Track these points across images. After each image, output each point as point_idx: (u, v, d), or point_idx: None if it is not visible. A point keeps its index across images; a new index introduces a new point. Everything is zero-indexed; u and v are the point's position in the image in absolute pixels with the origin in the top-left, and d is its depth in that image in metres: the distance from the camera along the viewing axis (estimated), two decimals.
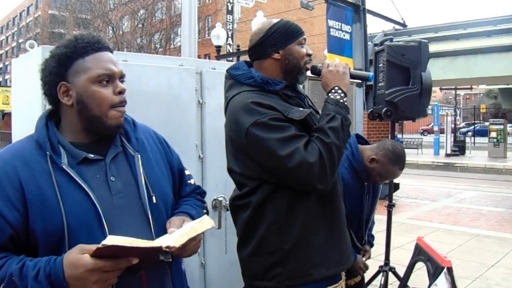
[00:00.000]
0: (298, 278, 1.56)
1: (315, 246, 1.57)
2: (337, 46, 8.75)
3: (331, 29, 8.66)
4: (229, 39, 18.61)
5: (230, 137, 1.62)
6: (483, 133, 23.58)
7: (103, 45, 1.23)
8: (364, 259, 2.42)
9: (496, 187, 11.00)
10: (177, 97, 2.32)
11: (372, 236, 2.60)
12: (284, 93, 1.62)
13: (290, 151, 1.44)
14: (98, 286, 1.02)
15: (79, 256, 1.02)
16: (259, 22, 12.20)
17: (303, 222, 1.56)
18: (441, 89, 33.33)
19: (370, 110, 3.01)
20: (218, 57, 14.23)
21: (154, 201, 1.23)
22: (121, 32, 28.31)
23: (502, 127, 18.46)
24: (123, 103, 1.22)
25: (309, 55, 1.67)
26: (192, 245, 1.19)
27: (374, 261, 2.61)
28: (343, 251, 1.68)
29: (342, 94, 1.61)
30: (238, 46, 15.26)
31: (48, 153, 1.14)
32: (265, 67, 1.65)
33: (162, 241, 1.12)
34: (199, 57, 6.97)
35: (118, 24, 28.66)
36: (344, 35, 8.88)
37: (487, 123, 22.62)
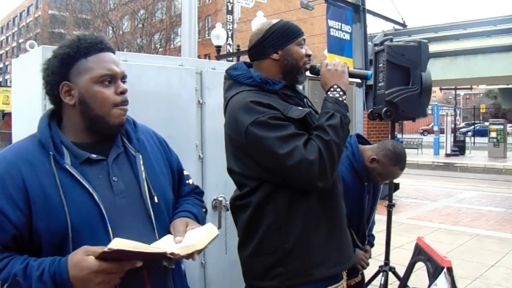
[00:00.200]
0: (299, 278, 1.56)
1: (315, 246, 1.57)
2: (337, 46, 8.76)
3: (331, 29, 8.66)
4: (229, 39, 18.61)
5: (229, 136, 1.62)
6: (483, 133, 23.58)
7: (106, 45, 1.24)
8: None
9: (496, 187, 11.00)
10: (177, 97, 2.32)
11: (373, 236, 2.60)
12: (283, 92, 1.62)
13: (290, 150, 1.45)
14: (102, 286, 1.04)
15: (84, 257, 1.03)
16: (259, 22, 12.20)
17: (303, 221, 1.56)
18: (441, 89, 33.33)
19: (370, 110, 3.01)
20: (218, 57, 14.23)
21: (156, 200, 1.24)
22: (121, 32, 28.32)
23: (502, 127, 18.46)
24: (125, 102, 1.23)
25: (308, 55, 1.67)
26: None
27: (374, 261, 2.61)
28: (344, 251, 1.68)
29: (341, 92, 1.61)
30: (238, 46, 15.26)
31: (51, 153, 1.15)
32: (265, 67, 1.65)
33: (166, 246, 1.13)
34: (199, 57, 6.98)
35: (118, 24, 28.67)
36: (344, 35, 8.88)
37: (487, 123, 22.61)
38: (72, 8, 30.61)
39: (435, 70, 11.77)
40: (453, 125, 20.80)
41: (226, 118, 1.64)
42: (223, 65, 2.55)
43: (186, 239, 1.18)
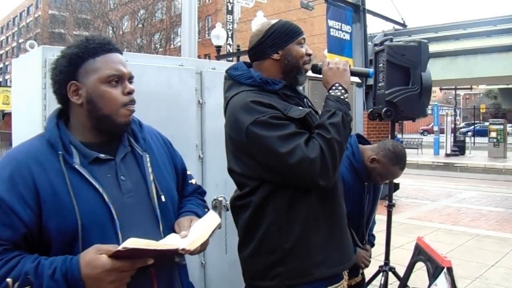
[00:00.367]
0: (299, 278, 1.56)
1: (315, 245, 1.57)
2: (337, 46, 8.76)
3: (331, 29, 8.66)
4: (229, 39, 18.62)
5: (230, 136, 1.62)
6: (483, 133, 23.58)
7: (113, 46, 1.26)
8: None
9: (496, 187, 11.01)
10: (177, 97, 2.32)
11: (373, 236, 2.60)
12: (283, 92, 1.62)
13: (291, 148, 1.45)
14: (113, 286, 1.05)
15: (96, 256, 1.04)
16: (259, 22, 12.20)
17: (303, 221, 1.56)
18: (441, 89, 33.31)
19: (370, 110, 3.01)
20: (218, 57, 14.23)
21: (163, 199, 1.26)
22: (121, 32, 28.30)
23: (502, 127, 18.46)
24: (132, 102, 1.25)
25: (308, 54, 1.67)
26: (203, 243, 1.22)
27: (374, 261, 2.60)
28: (344, 251, 1.68)
29: (343, 91, 1.62)
30: (238, 46, 15.26)
31: (60, 152, 1.16)
32: (265, 67, 1.65)
33: (176, 243, 1.15)
34: (199, 57, 6.98)
35: (118, 24, 28.65)
36: (344, 35, 8.89)
37: (487, 123, 22.61)
38: (72, 8, 30.62)
39: (435, 70, 11.76)
40: (453, 125, 20.81)
41: (226, 118, 1.64)
42: (223, 65, 2.55)
43: (192, 233, 1.20)
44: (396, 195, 8.24)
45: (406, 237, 5.54)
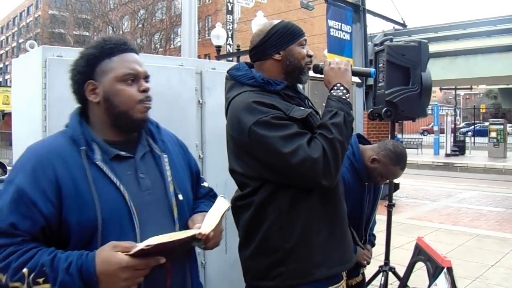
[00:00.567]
0: (300, 278, 1.56)
1: (316, 245, 1.57)
2: (337, 46, 8.76)
3: (331, 29, 8.66)
4: (229, 39, 18.61)
5: (231, 137, 1.62)
6: (483, 133, 23.58)
7: (129, 46, 1.31)
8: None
9: (496, 187, 11.00)
10: (177, 97, 2.32)
11: (374, 236, 2.60)
12: (285, 93, 1.62)
13: (294, 148, 1.45)
14: (127, 283, 1.07)
15: (113, 253, 1.07)
16: (259, 22, 12.20)
17: (304, 221, 1.56)
18: (441, 89, 33.30)
19: (370, 110, 3.01)
20: (218, 57, 14.22)
21: (181, 198, 1.30)
22: (121, 32, 28.28)
23: (502, 127, 18.47)
24: (148, 98, 1.29)
25: (309, 56, 1.68)
26: (217, 234, 1.28)
27: (374, 261, 2.60)
28: (345, 251, 1.68)
29: (345, 91, 1.62)
30: (238, 46, 15.25)
31: (83, 148, 1.20)
32: (266, 68, 1.66)
33: (192, 231, 1.18)
34: (199, 57, 6.98)
35: (118, 24, 28.66)
36: (344, 35, 8.89)
37: (487, 123, 22.61)
38: (72, 8, 30.63)
39: (435, 70, 11.75)
40: (453, 125, 20.81)
41: (228, 118, 1.64)
42: (223, 65, 2.55)
43: (205, 222, 1.24)
44: (396, 195, 8.24)
45: (406, 237, 5.54)
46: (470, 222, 6.95)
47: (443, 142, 20.06)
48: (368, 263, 2.39)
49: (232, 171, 1.67)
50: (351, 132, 1.61)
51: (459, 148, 19.68)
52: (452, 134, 20.27)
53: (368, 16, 9.75)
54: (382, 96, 2.79)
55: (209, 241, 1.24)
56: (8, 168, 3.54)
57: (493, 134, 18.67)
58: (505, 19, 15.44)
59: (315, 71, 1.74)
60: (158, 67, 2.26)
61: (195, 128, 2.40)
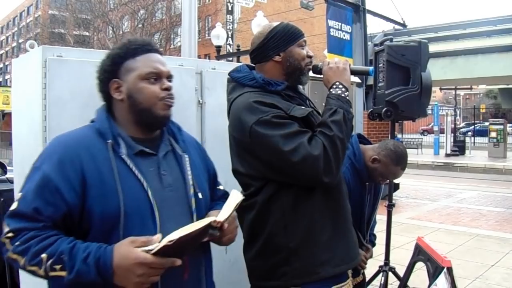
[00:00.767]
0: (305, 277, 1.57)
1: (321, 244, 1.58)
2: (337, 46, 8.76)
3: (331, 29, 8.66)
4: (229, 39, 18.61)
5: (234, 137, 1.64)
6: (483, 133, 23.59)
7: (153, 47, 1.37)
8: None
9: (496, 187, 11.01)
10: (177, 97, 2.26)
11: (374, 236, 2.59)
12: (285, 93, 1.64)
13: (294, 146, 1.46)
14: (140, 279, 1.09)
15: (131, 248, 1.09)
16: (259, 22, 12.19)
17: (308, 220, 1.57)
18: (441, 89, 33.30)
19: (370, 110, 3.01)
20: (218, 57, 14.22)
21: (200, 196, 1.34)
22: (121, 32, 28.27)
23: (502, 127, 18.46)
24: (170, 96, 1.34)
25: (309, 56, 1.70)
26: (231, 228, 1.31)
27: (374, 261, 2.61)
28: (349, 249, 1.68)
29: (344, 89, 1.64)
30: (238, 46, 15.24)
31: (110, 141, 1.24)
32: (267, 69, 1.67)
33: (208, 219, 1.20)
34: (199, 57, 6.98)
35: (118, 24, 28.63)
36: (344, 35, 8.88)
37: (487, 123, 22.61)
38: (72, 8, 30.57)
39: (435, 70, 11.76)
40: (453, 125, 20.82)
41: (230, 119, 1.66)
42: (223, 65, 2.55)
43: (220, 213, 1.27)
44: (396, 195, 8.24)
45: (406, 237, 5.54)
46: (470, 222, 6.95)
47: (443, 142, 20.06)
48: (364, 268, 2.39)
49: (235, 172, 1.69)
50: (351, 130, 1.62)
51: (459, 148, 19.68)
52: (452, 134, 20.28)
53: (368, 16, 9.76)
54: (382, 96, 2.78)
55: (224, 235, 1.28)
56: (8, 168, 3.53)
57: (493, 134, 18.67)
58: (505, 19, 15.46)
59: (314, 72, 1.75)
60: None
61: (195, 128, 2.39)
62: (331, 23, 8.67)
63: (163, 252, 1.08)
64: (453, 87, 28.32)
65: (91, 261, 1.08)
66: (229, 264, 2.38)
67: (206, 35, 30.36)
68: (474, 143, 22.91)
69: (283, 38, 1.65)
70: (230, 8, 20.27)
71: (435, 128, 21.12)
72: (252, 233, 1.64)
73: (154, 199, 1.22)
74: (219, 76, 2.43)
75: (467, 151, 20.00)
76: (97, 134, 1.26)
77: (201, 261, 1.36)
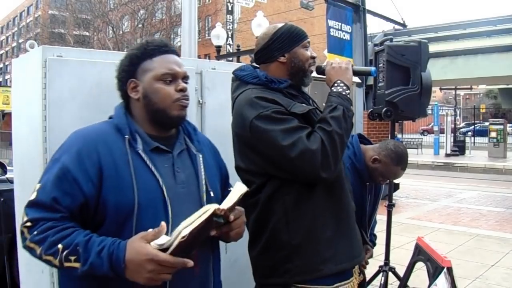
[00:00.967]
0: (307, 274, 1.58)
1: (323, 242, 1.59)
2: (337, 46, 8.75)
3: (331, 29, 8.65)
4: (229, 39, 18.59)
5: (236, 133, 1.66)
6: (483, 133, 23.58)
7: (170, 48, 1.41)
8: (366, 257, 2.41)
9: (496, 187, 11.01)
10: None
11: (375, 236, 2.59)
12: (288, 91, 1.66)
13: (293, 141, 1.48)
14: (150, 275, 1.10)
15: (144, 244, 1.11)
16: (259, 22, 12.20)
17: (310, 217, 1.58)
18: (441, 89, 33.26)
19: (370, 110, 3.01)
20: (218, 57, 14.20)
21: (212, 195, 1.38)
22: (121, 32, 28.28)
23: (502, 127, 18.46)
24: (185, 97, 1.36)
25: (313, 57, 1.72)
26: (239, 222, 1.31)
27: (374, 261, 2.61)
28: (352, 247, 1.69)
29: (345, 87, 1.67)
30: (238, 46, 15.23)
31: (127, 136, 1.29)
32: (272, 70, 1.70)
33: (212, 206, 1.21)
34: (199, 57, 6.96)
35: (118, 24, 28.62)
36: (344, 35, 8.88)
37: (487, 123, 22.61)
38: (72, 8, 30.55)
39: (435, 70, 11.76)
40: (453, 125, 20.81)
41: (233, 115, 1.69)
42: (223, 65, 2.55)
43: (223, 204, 1.28)
44: (396, 195, 8.24)
45: (406, 237, 5.55)
46: (470, 222, 6.95)
47: (443, 142, 20.06)
48: (364, 268, 2.39)
49: (237, 169, 1.71)
50: (350, 127, 1.63)
51: (459, 148, 19.68)
52: (452, 134, 20.28)
53: (368, 16, 9.75)
54: (382, 96, 2.79)
55: (232, 229, 1.29)
56: (8, 168, 3.53)
57: (493, 134, 18.67)
58: (505, 19, 15.44)
59: (318, 72, 1.78)
60: None
61: None
62: (331, 23, 8.67)
63: (178, 250, 1.10)
64: (453, 87, 28.29)
65: (105, 254, 1.11)
66: (229, 264, 2.38)
67: (206, 35, 30.36)
68: (474, 143, 22.90)
69: (287, 39, 1.68)
70: (230, 8, 20.26)
71: (435, 128, 21.12)
72: (256, 230, 1.66)
73: (167, 194, 1.26)
74: (219, 76, 2.43)
75: (467, 151, 20.00)
76: (115, 129, 1.30)
77: (209, 257, 1.39)
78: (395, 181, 5.72)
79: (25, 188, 2.03)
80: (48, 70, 1.84)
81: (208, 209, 1.16)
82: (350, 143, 2.21)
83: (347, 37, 8.95)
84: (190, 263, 1.13)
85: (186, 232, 1.08)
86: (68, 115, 1.86)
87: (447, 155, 19.31)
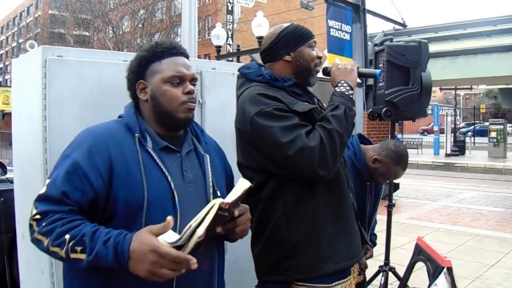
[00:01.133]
0: (308, 272, 1.59)
1: (323, 239, 1.60)
2: (337, 46, 8.75)
3: (331, 29, 8.65)
4: (229, 39, 18.58)
5: (238, 129, 1.67)
6: (483, 133, 23.59)
7: (179, 50, 1.41)
8: (366, 257, 2.41)
9: (496, 187, 11.01)
10: None
11: (375, 235, 2.59)
12: (292, 90, 1.67)
13: (292, 138, 1.49)
14: (151, 268, 1.10)
15: (149, 235, 1.12)
16: (259, 22, 12.19)
17: (311, 215, 1.59)
18: (441, 89, 33.30)
19: (370, 110, 3.01)
20: (218, 57, 14.19)
21: (219, 194, 1.39)
22: (121, 32, 28.26)
23: (502, 127, 18.46)
24: (191, 100, 1.37)
25: (319, 57, 1.73)
26: (244, 219, 1.32)
27: (374, 261, 2.60)
28: (352, 246, 1.70)
29: (348, 87, 1.67)
30: (238, 46, 15.22)
31: (137, 135, 1.31)
32: (277, 69, 1.71)
33: (216, 200, 1.21)
34: (199, 57, 6.97)
35: (118, 24, 28.61)
36: (344, 35, 8.87)
37: (487, 123, 22.61)
38: (72, 8, 30.56)
39: (435, 70, 11.77)
40: (453, 125, 20.81)
41: (236, 112, 1.69)
42: (223, 65, 2.55)
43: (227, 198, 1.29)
44: (396, 195, 8.24)
45: (406, 237, 5.55)
46: (470, 222, 6.95)
47: (443, 142, 20.06)
48: (366, 267, 2.38)
49: (239, 165, 1.72)
50: (352, 127, 1.63)
51: (459, 148, 19.68)
52: (452, 134, 20.28)
53: (368, 16, 9.74)
54: (382, 96, 2.79)
55: (237, 225, 1.29)
56: (8, 168, 3.53)
57: (493, 134, 18.67)
58: (505, 19, 15.45)
59: (324, 74, 1.79)
60: None
61: None
62: (331, 23, 8.66)
63: (195, 249, 1.10)
64: (453, 87, 28.31)
65: (111, 244, 1.12)
66: (229, 263, 2.37)
67: (206, 35, 30.35)
68: (474, 143, 22.90)
69: (293, 38, 1.68)
70: (230, 8, 20.26)
71: (435, 128, 21.12)
72: (258, 229, 1.67)
73: (176, 192, 1.28)
74: (219, 76, 2.44)
75: (467, 151, 20.00)
76: (125, 128, 1.33)
77: (215, 255, 1.41)
78: (395, 181, 5.72)
79: (25, 188, 2.03)
80: (48, 70, 1.84)
81: (214, 204, 1.16)
82: (350, 143, 2.21)
83: (347, 37, 8.94)
84: (194, 264, 1.11)
85: (201, 231, 1.09)
86: (68, 115, 1.86)
87: (447, 155, 19.31)
